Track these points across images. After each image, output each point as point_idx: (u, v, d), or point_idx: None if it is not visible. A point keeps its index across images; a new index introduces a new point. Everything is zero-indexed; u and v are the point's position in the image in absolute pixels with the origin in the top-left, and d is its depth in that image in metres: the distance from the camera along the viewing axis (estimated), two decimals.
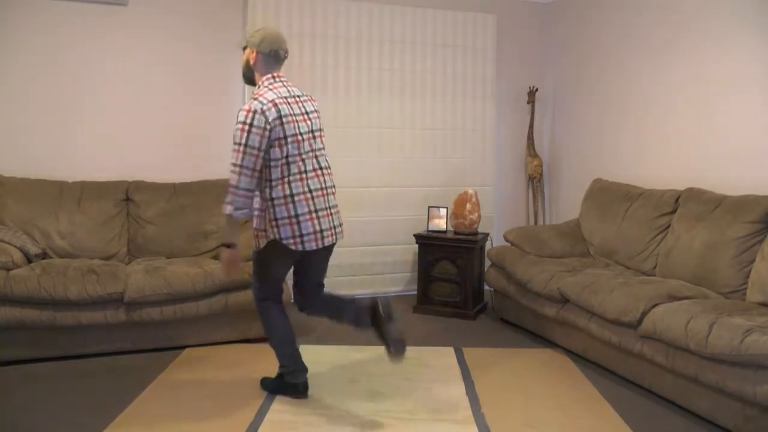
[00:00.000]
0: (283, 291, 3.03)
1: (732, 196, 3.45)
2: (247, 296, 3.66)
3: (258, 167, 2.64)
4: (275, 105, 2.66)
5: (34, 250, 3.67)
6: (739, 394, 2.50)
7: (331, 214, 2.83)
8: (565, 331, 3.65)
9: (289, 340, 2.96)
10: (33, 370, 3.29)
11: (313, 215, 2.74)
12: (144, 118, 4.42)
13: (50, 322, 3.32)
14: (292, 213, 2.69)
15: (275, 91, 2.73)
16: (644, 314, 3.02)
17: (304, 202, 2.71)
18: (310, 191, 2.74)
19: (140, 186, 4.20)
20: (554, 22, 5.41)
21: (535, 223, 5.35)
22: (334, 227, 2.84)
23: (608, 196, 4.30)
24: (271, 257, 2.83)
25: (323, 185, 2.81)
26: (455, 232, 4.55)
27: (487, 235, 4.64)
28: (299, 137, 2.73)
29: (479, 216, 4.53)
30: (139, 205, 4.13)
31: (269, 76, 2.79)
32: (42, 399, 2.94)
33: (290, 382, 2.99)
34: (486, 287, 4.65)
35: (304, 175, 2.74)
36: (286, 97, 2.74)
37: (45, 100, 4.19)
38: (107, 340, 3.49)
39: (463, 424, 2.75)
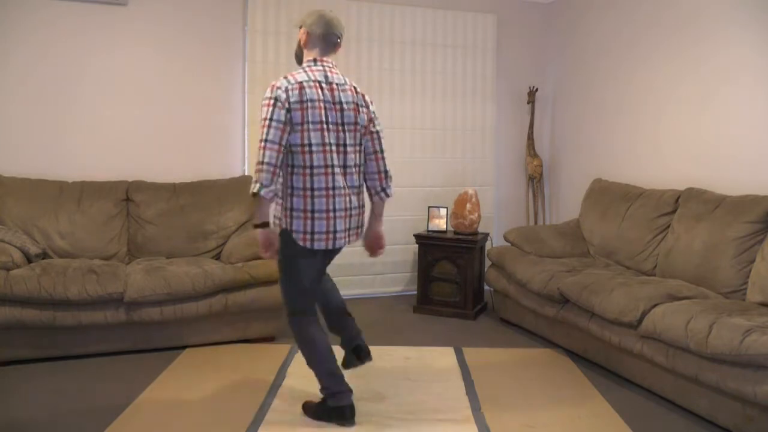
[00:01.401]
0: (315, 302, 2.81)
1: (732, 196, 3.45)
2: (247, 296, 3.66)
3: (284, 142, 2.48)
4: (301, 87, 2.52)
5: (34, 250, 3.67)
6: (739, 394, 2.50)
7: (350, 216, 2.66)
8: (565, 331, 3.65)
9: (329, 358, 2.70)
10: (33, 370, 3.29)
11: (330, 214, 2.58)
12: (144, 118, 4.42)
13: (50, 322, 3.32)
14: (309, 207, 2.56)
15: (310, 73, 2.59)
16: (644, 314, 3.02)
17: (323, 199, 2.57)
18: (333, 188, 2.58)
19: (140, 186, 4.20)
20: (554, 22, 5.41)
21: (535, 223, 5.35)
22: (349, 229, 2.67)
23: (608, 196, 4.30)
24: (292, 257, 2.63)
25: (346, 184, 2.63)
26: (455, 232, 4.55)
27: (487, 235, 4.64)
28: (323, 126, 2.55)
29: (479, 216, 4.53)
30: (139, 205, 4.13)
31: (311, 58, 2.65)
32: (42, 399, 2.94)
33: (334, 406, 2.70)
34: (486, 287, 4.65)
35: (329, 170, 2.57)
36: (320, 82, 2.58)
37: (45, 100, 4.19)
38: (107, 340, 3.49)
39: (463, 424, 2.75)
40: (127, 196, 4.15)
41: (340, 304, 2.96)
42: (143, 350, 3.56)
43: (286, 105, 2.49)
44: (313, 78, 2.58)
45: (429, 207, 4.69)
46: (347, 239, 2.69)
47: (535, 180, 5.32)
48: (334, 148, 2.59)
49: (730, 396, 2.59)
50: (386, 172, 2.79)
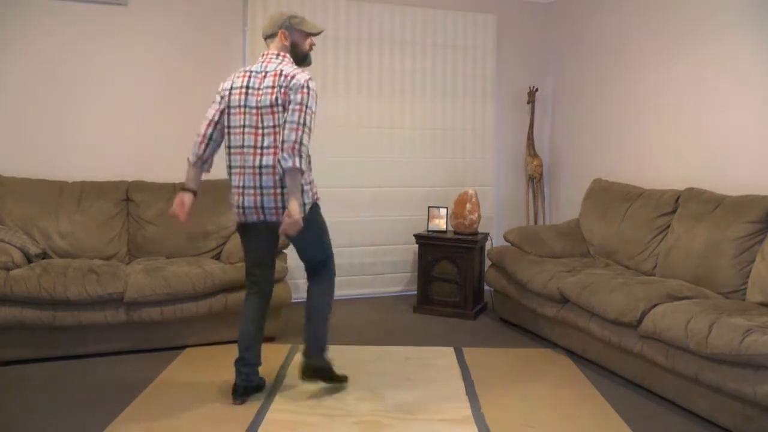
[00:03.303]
0: None
1: (732, 196, 3.45)
2: None
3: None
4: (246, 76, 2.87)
5: (34, 250, 3.67)
6: (739, 394, 2.50)
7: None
8: (565, 331, 3.65)
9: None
10: (33, 370, 3.29)
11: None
12: (144, 118, 4.42)
13: (50, 322, 3.32)
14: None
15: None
16: (644, 314, 3.02)
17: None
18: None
19: (140, 186, 4.20)
20: (554, 22, 5.41)
21: (535, 223, 5.35)
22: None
23: (608, 196, 4.30)
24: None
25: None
26: (455, 232, 4.55)
27: (487, 235, 4.64)
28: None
29: (479, 216, 4.53)
30: (139, 205, 4.13)
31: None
32: (42, 399, 2.94)
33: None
34: (486, 287, 4.65)
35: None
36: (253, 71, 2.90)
37: (45, 100, 4.19)
38: (107, 340, 3.49)
39: (463, 424, 2.75)
40: (127, 196, 4.15)
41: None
42: (143, 350, 3.56)
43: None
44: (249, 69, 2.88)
45: (429, 207, 4.69)
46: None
47: (535, 180, 5.31)
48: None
49: (730, 396, 2.59)
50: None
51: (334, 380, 3.05)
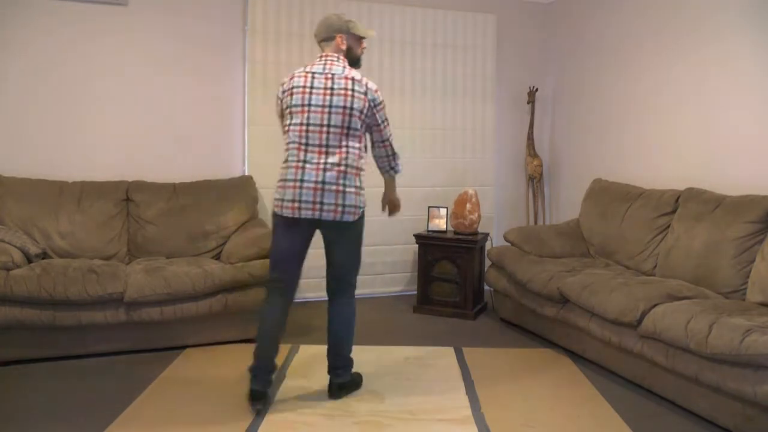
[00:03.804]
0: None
1: (732, 196, 3.45)
2: (247, 296, 3.66)
3: None
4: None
5: (34, 250, 3.67)
6: (739, 394, 2.50)
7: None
8: (565, 331, 3.65)
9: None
10: (33, 370, 3.29)
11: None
12: (144, 118, 4.42)
13: (50, 322, 3.32)
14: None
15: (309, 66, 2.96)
16: (644, 314, 3.02)
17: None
18: None
19: (140, 186, 4.20)
20: (554, 22, 5.41)
21: (535, 223, 5.35)
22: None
23: (608, 196, 4.30)
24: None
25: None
26: (455, 232, 4.55)
27: (487, 235, 4.64)
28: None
29: (479, 216, 4.53)
30: (139, 205, 4.13)
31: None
32: (42, 399, 2.93)
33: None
34: (486, 287, 4.65)
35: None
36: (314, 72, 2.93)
37: (45, 100, 4.19)
38: (107, 340, 3.49)
39: (463, 424, 2.75)
40: (127, 196, 4.15)
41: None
42: (143, 350, 3.56)
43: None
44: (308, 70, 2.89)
45: (429, 207, 4.69)
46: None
47: (535, 180, 5.31)
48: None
49: (730, 396, 2.59)
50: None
51: (359, 386, 3.10)
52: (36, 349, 3.38)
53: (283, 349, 3.65)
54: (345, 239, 2.91)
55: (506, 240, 4.38)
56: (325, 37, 2.93)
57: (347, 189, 2.79)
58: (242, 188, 4.38)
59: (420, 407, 2.91)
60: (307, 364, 3.44)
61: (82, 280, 3.36)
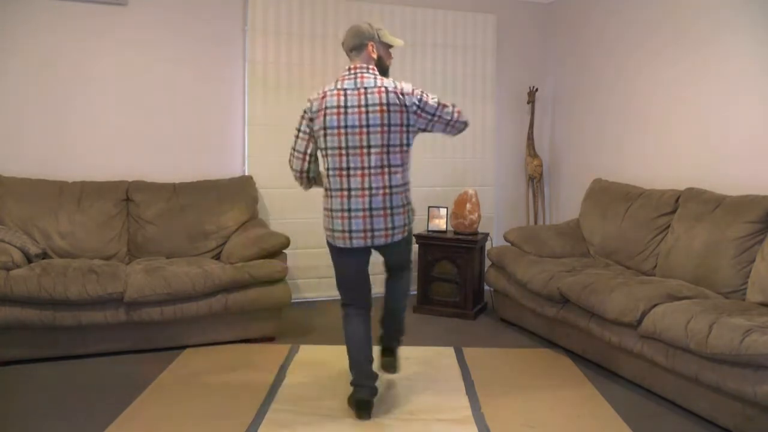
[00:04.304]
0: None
1: (732, 196, 3.44)
2: (247, 296, 3.66)
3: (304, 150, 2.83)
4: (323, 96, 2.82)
5: (34, 250, 3.67)
6: (739, 394, 2.50)
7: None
8: (565, 331, 3.65)
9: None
10: (33, 370, 3.29)
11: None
12: (144, 118, 4.42)
13: (50, 322, 3.32)
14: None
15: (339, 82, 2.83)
16: (644, 314, 3.01)
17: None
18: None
19: (140, 186, 4.20)
20: (554, 22, 5.41)
21: (535, 223, 5.35)
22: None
23: (608, 196, 4.30)
24: None
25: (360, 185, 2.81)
26: (455, 232, 4.55)
27: (487, 235, 4.64)
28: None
29: (479, 216, 4.53)
30: (139, 205, 4.13)
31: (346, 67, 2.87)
32: (42, 399, 2.94)
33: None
34: (486, 287, 4.65)
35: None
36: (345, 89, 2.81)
37: (45, 100, 4.19)
38: (107, 340, 3.49)
39: (463, 424, 2.75)
40: (127, 196, 4.15)
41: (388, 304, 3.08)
42: (143, 350, 3.56)
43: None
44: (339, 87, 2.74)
45: (429, 207, 4.69)
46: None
47: (535, 180, 5.31)
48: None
49: (730, 396, 2.59)
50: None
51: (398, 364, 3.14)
52: (36, 349, 3.38)
53: (283, 349, 3.66)
54: (398, 249, 2.88)
55: (506, 240, 4.38)
56: (355, 45, 2.77)
57: (394, 211, 2.71)
58: (242, 188, 4.38)
59: (420, 407, 2.91)
60: (307, 364, 3.44)
61: (82, 280, 3.36)
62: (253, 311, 3.72)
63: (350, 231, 2.69)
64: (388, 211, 2.70)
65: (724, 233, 3.30)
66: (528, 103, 5.29)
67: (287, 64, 4.65)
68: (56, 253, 3.87)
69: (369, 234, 2.69)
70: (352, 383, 2.84)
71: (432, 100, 2.77)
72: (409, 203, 2.79)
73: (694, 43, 3.93)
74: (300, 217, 4.71)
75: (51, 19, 4.16)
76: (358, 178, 2.67)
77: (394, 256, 2.92)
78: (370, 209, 2.67)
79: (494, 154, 5.33)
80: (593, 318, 3.34)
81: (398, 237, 2.75)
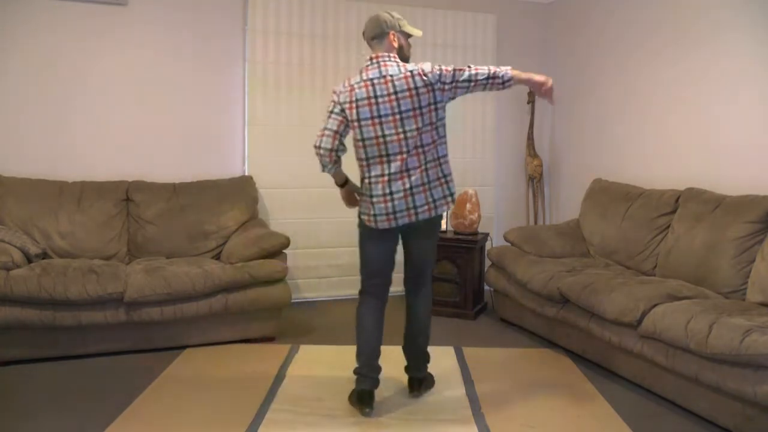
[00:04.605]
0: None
1: (732, 196, 3.45)
2: (247, 296, 3.66)
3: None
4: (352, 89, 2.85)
5: (34, 250, 3.67)
6: (739, 394, 2.50)
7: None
8: (565, 331, 3.65)
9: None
10: (33, 370, 3.29)
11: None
12: (144, 118, 4.42)
13: (50, 322, 3.32)
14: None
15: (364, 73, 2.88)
16: (644, 314, 3.01)
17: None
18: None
19: (140, 186, 4.20)
20: (554, 22, 5.41)
21: (535, 223, 5.35)
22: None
23: (608, 196, 4.30)
24: None
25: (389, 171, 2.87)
26: (455, 232, 4.55)
27: (487, 235, 4.64)
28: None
29: (479, 216, 4.53)
30: (139, 205, 4.13)
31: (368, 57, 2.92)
32: (42, 399, 2.94)
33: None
34: (486, 287, 4.65)
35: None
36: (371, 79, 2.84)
37: (45, 100, 4.19)
38: (107, 340, 3.49)
39: (463, 424, 2.75)
40: (127, 196, 4.15)
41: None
42: (143, 350, 3.56)
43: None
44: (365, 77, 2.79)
45: None
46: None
47: (535, 180, 5.31)
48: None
49: (730, 396, 2.59)
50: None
51: (433, 383, 3.15)
52: (36, 349, 3.38)
53: (283, 349, 3.66)
54: (431, 232, 2.95)
55: (506, 240, 4.38)
56: (376, 35, 2.85)
57: (432, 185, 2.79)
58: (242, 188, 4.38)
59: (420, 407, 2.91)
60: (307, 364, 3.44)
61: (82, 280, 3.36)
62: (253, 311, 3.72)
63: (394, 213, 2.78)
64: (426, 186, 2.78)
65: (724, 233, 3.30)
66: (528, 103, 5.29)
67: (287, 63, 4.65)
68: (56, 253, 3.87)
69: (413, 211, 2.78)
70: (355, 371, 2.87)
71: (447, 71, 2.78)
72: (445, 175, 2.83)
73: (694, 43, 3.93)
74: (300, 217, 4.72)
75: (51, 19, 4.16)
76: (398, 162, 2.74)
77: (426, 244, 2.99)
78: (411, 188, 2.76)
79: (494, 154, 5.33)
80: (593, 318, 3.34)
81: (442, 209, 2.84)
